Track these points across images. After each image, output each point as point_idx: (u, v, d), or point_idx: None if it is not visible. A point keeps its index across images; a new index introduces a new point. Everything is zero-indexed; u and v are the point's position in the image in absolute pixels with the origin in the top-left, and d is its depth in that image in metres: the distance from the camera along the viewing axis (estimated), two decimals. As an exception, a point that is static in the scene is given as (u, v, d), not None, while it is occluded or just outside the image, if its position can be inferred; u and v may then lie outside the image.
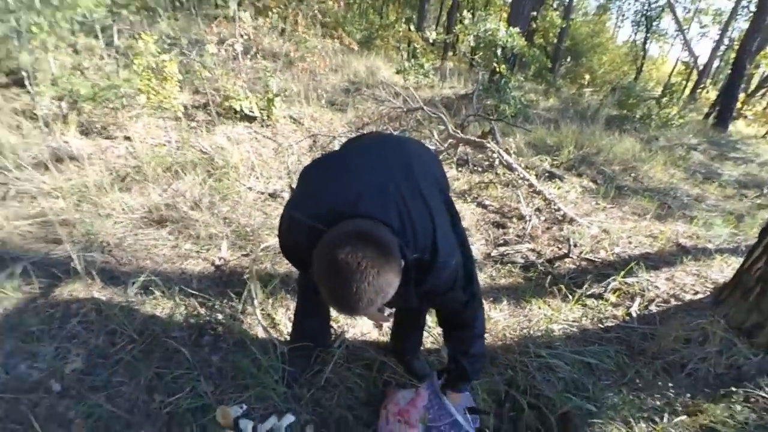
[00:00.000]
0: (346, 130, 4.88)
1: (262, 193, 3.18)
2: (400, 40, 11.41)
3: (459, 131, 4.77)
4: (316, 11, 6.02)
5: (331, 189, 1.03)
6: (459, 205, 3.56)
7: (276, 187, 3.30)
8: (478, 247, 3.07)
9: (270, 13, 5.04)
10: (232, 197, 2.95)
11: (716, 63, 17.59)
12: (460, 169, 4.52)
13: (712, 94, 13.76)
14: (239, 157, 3.38)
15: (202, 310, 1.84)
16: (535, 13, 10.26)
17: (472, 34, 6.32)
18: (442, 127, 4.68)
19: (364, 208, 0.95)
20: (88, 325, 1.70)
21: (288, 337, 1.77)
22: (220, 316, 1.83)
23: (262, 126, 4.22)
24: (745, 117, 12.41)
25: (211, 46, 3.94)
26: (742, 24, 15.54)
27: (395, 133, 4.76)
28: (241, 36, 4.41)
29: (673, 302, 2.37)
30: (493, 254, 2.99)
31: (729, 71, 10.83)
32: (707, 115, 11.23)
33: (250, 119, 4.15)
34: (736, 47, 11.68)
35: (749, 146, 8.58)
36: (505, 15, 11.28)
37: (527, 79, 9.47)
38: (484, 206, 3.73)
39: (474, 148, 4.57)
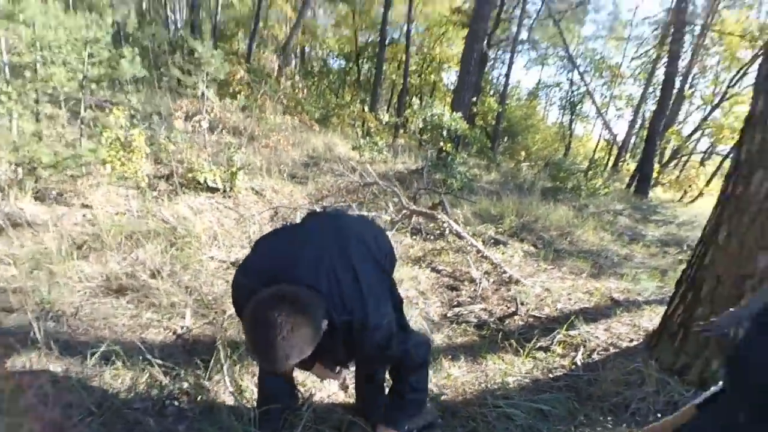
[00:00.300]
0: (307, 201, 5.11)
1: (224, 262, 3.23)
2: (355, 119, 12.28)
3: (412, 203, 5.15)
4: (280, 94, 6.53)
5: (273, 257, 1.21)
6: (415, 271, 3.79)
7: (238, 256, 3.37)
8: (434, 309, 3.24)
9: (237, 95, 5.41)
10: (194, 266, 2.98)
11: (633, 139, 20.17)
12: (414, 237, 4.80)
13: (632, 166, 15.66)
14: (201, 227, 3.46)
15: (166, 380, 1.82)
16: (474, 99, 11.56)
17: (420, 117, 7.01)
18: (396, 200, 5.03)
19: (297, 274, 1.11)
20: (43, 398, 1.64)
21: (255, 402, 1.79)
22: (185, 385, 1.82)
23: (225, 197, 4.36)
24: (662, 184, 14.18)
25: (178, 121, 4.15)
26: (651, 106, 18.20)
27: (353, 205, 5.04)
28: (207, 113, 4.68)
29: (612, 350, 2.62)
30: (448, 315, 3.17)
31: (644, 146, 12.53)
32: (629, 185, 12.68)
33: (213, 190, 4.28)
34: (648, 126, 13.64)
35: (668, 209, 9.74)
36: (449, 100, 12.57)
37: (470, 155, 10.40)
38: (438, 271, 3.96)
39: (426, 219, 4.91)
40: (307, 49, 21.00)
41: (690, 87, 16.55)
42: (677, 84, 12.81)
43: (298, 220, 4.24)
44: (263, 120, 6.19)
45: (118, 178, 3.39)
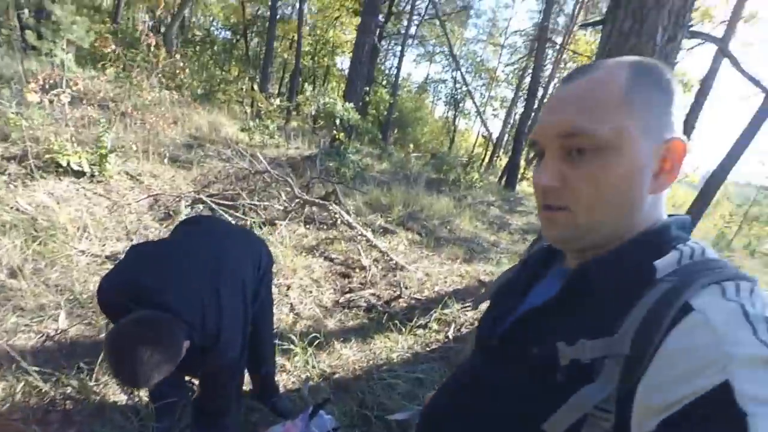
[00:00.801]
0: (191, 189, 4.83)
1: (98, 257, 2.96)
2: (243, 98, 11.65)
3: (305, 193, 5.22)
4: (157, 65, 5.91)
5: (144, 276, 1.25)
6: (309, 260, 3.93)
7: (114, 248, 3.11)
8: (327, 296, 3.44)
9: (105, 65, 4.79)
10: (61, 262, 2.70)
11: (506, 137, 22.78)
12: (307, 226, 4.90)
13: (505, 161, 17.77)
14: (67, 217, 3.10)
15: (46, 386, 1.70)
16: (367, 89, 11.87)
17: (313, 104, 7.04)
18: (289, 189, 5.06)
19: (165, 299, 1.20)
20: None
21: (148, 399, 1.78)
22: (68, 390, 1.72)
23: (93, 182, 3.90)
24: (528, 179, 16.46)
25: (32, 94, 3.58)
26: (520, 109, 20.71)
27: (243, 194, 4.89)
28: (69, 86, 4.10)
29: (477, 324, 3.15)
30: (341, 301, 3.40)
31: (513, 144, 14.32)
32: (500, 179, 14.40)
33: (78, 175, 3.80)
34: (516, 126, 15.57)
35: (530, 201, 11.35)
36: (342, 85, 12.69)
37: (363, 144, 10.73)
38: (331, 259, 4.17)
39: (319, 208, 5.05)
40: (186, 14, 18.98)
41: (551, 94, 19.27)
42: (540, 91, 14.83)
43: (182, 210, 4.04)
44: (137, 94, 5.58)
45: (-48, 160, 2.84)
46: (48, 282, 2.42)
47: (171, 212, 4.02)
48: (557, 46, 15.52)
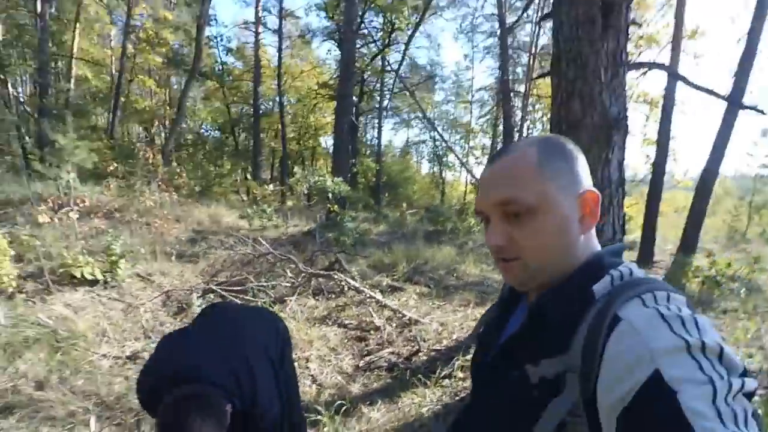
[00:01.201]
0: (200, 280, 4.95)
1: (119, 358, 3.02)
2: (238, 188, 12.17)
3: (309, 266, 5.35)
4: (154, 171, 6.32)
5: (178, 356, 1.34)
6: (322, 330, 3.96)
7: (134, 348, 3.17)
8: (347, 362, 3.43)
9: (108, 181, 5.14)
10: (85, 368, 2.75)
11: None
12: (317, 298, 4.96)
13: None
14: (86, 325, 3.19)
15: (85, 489, 1.71)
16: (353, 161, 12.49)
17: (304, 184, 7.41)
18: (293, 265, 5.19)
19: (192, 372, 1.26)
20: None
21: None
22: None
23: (106, 288, 4.03)
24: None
25: (42, 216, 3.82)
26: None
27: (251, 277, 5.02)
28: (76, 204, 4.38)
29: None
30: (360, 365, 3.39)
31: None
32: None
33: (92, 283, 3.94)
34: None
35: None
36: (330, 161, 13.33)
37: (358, 211, 11.07)
38: (345, 326, 4.19)
39: (325, 279, 5.15)
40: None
41: (527, 135, 20.20)
42: (516, 134, 15.63)
43: (194, 302, 4.13)
44: (139, 201, 5.90)
45: (-24, 286, 2.99)
46: (74, 389, 2.45)
47: (184, 305, 4.11)
48: (521, 94, 16.64)
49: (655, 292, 0.51)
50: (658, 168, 7.28)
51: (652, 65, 4.29)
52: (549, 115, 2.78)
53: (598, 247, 0.65)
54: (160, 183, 6.60)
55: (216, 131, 20.31)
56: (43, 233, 3.99)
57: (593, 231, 0.65)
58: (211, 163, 16.05)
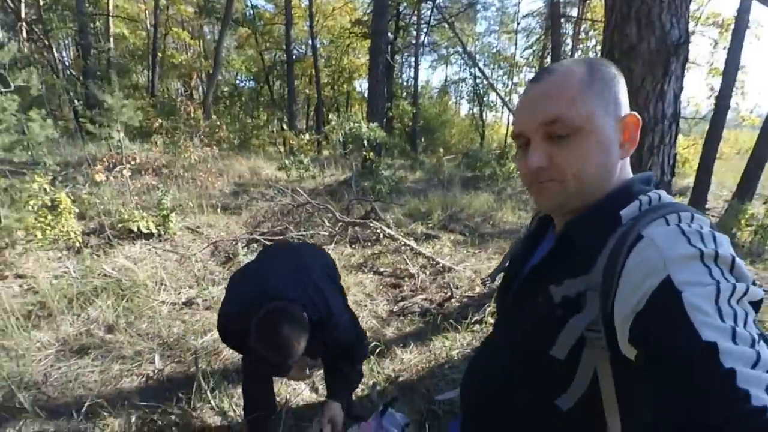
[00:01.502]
0: (245, 231, 5.23)
1: (176, 304, 3.34)
2: (275, 139, 12.36)
3: (345, 215, 5.49)
4: (196, 127, 6.52)
5: (249, 286, 1.57)
6: (358, 277, 4.14)
7: (189, 295, 3.49)
8: (382, 307, 3.61)
9: (154, 137, 5.37)
10: (147, 313, 3.08)
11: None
12: (353, 246, 5.14)
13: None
14: (146, 275, 3.52)
15: (154, 416, 2.00)
16: (389, 105, 12.19)
17: (339, 132, 7.38)
18: (330, 215, 5.34)
19: (274, 292, 1.48)
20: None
21: (239, 418, 2.03)
22: (173, 417, 2.00)
23: (161, 241, 4.38)
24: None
25: (99, 174, 4.11)
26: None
27: (290, 227, 5.26)
28: (128, 161, 4.65)
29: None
30: (395, 310, 3.55)
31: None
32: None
33: (148, 237, 4.29)
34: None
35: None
36: (365, 107, 13.10)
37: (394, 159, 10.99)
38: (380, 273, 4.34)
39: (361, 228, 5.29)
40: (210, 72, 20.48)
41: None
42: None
43: (240, 252, 4.41)
44: (184, 156, 6.17)
45: (49, 242, 3.34)
46: (139, 332, 2.78)
47: (231, 255, 4.40)
48: (574, 19, 15.13)
49: (680, 213, 0.52)
50: (722, 102, 6.54)
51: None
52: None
53: (631, 175, 0.65)
54: (202, 137, 6.82)
55: (251, 81, 20.30)
56: (101, 191, 4.32)
57: (628, 159, 0.65)
58: (248, 114, 16.26)
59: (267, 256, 1.84)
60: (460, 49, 19.45)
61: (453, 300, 3.57)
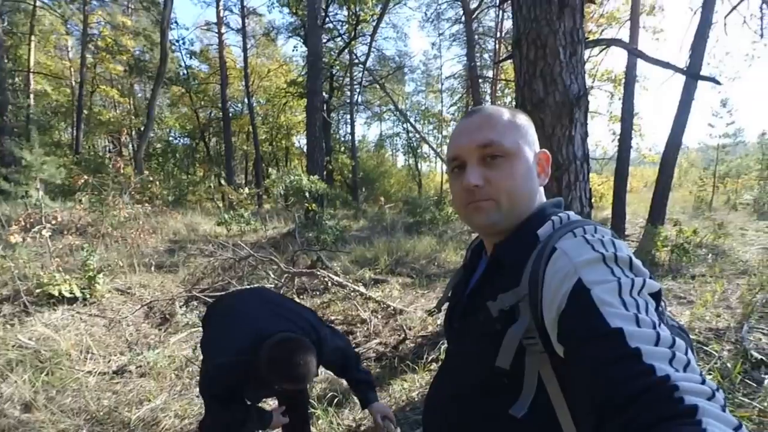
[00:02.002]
0: (182, 289, 4.91)
1: (105, 374, 3.00)
2: (213, 194, 12.00)
3: (291, 266, 5.37)
4: (125, 183, 6.19)
5: (236, 334, 1.53)
6: (310, 327, 4.00)
7: (120, 362, 3.15)
8: (336, 356, 3.50)
9: (79, 196, 5.02)
10: (72, 386, 2.73)
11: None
12: (301, 297, 5.01)
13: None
14: (69, 343, 3.15)
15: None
16: (328, 158, 12.45)
17: (280, 185, 7.38)
18: (275, 266, 5.20)
19: (267, 331, 1.47)
20: None
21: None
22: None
23: (86, 305, 3.97)
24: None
25: (14, 236, 3.73)
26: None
27: (233, 282, 5.02)
28: (48, 221, 4.28)
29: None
30: (350, 357, 3.46)
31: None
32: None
33: (71, 301, 3.88)
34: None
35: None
36: (305, 161, 13.27)
37: (337, 209, 11.09)
38: (331, 322, 4.24)
39: (308, 277, 5.19)
40: (141, 130, 19.80)
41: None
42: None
43: (177, 311, 4.12)
44: (112, 215, 5.79)
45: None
46: (63, 407, 2.44)
47: (167, 316, 4.09)
48: (490, 79, 16.89)
49: (584, 227, 0.62)
50: (624, 144, 7.56)
51: (609, 42, 4.42)
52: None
53: (544, 200, 0.75)
54: (132, 193, 6.47)
55: (185, 138, 19.85)
56: (16, 254, 3.89)
57: (543, 188, 0.76)
58: (183, 171, 15.73)
59: (229, 306, 1.81)
60: (392, 107, 20.71)
61: (407, 341, 3.57)
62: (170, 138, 19.80)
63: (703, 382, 0.41)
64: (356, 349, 3.53)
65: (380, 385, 2.95)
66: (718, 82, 3.63)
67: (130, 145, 17.87)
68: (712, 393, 0.39)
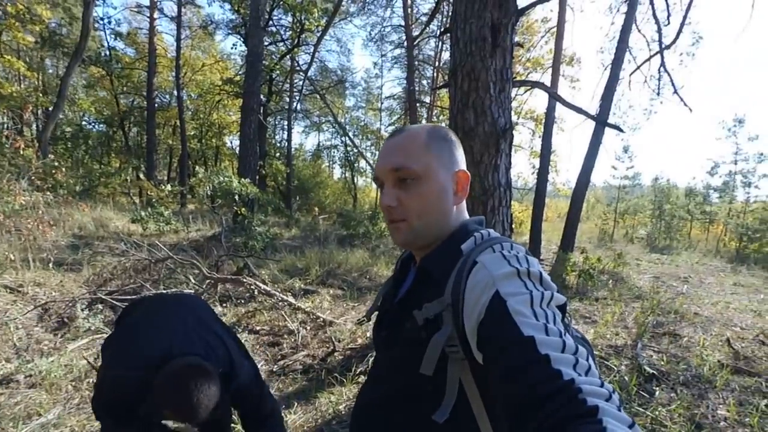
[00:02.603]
0: (86, 290, 4.40)
1: (-16, 384, 2.58)
2: (129, 189, 10.96)
3: (214, 272, 5.08)
4: (24, 166, 5.45)
5: (147, 345, 1.37)
6: (234, 336, 3.79)
7: (6, 370, 2.73)
8: (260, 368, 3.34)
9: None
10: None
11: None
12: (224, 305, 4.72)
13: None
14: (-63, 348, 2.67)
15: None
16: (261, 163, 12.04)
17: (208, 185, 6.99)
18: (197, 271, 4.88)
19: (179, 349, 1.34)
20: None
21: None
22: None
23: (-38, 304, 3.40)
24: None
25: None
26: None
27: (147, 285, 4.61)
28: None
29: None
30: (274, 369, 3.33)
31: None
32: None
33: (-58, 299, 3.29)
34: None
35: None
36: (236, 163, 12.69)
37: (268, 215, 10.70)
38: (256, 332, 4.06)
39: (233, 284, 4.92)
40: (50, 110, 17.61)
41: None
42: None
43: (79, 315, 3.68)
44: (4, 201, 5.05)
45: None
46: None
47: (66, 319, 3.63)
48: (427, 105, 17.65)
49: (502, 243, 0.68)
50: (542, 177, 8.31)
51: (533, 84, 4.87)
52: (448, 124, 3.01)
53: (467, 217, 0.81)
54: (33, 179, 5.70)
55: (101, 124, 18.01)
56: None
57: (464, 205, 0.81)
58: (96, 160, 14.21)
59: (150, 311, 1.63)
60: (331, 119, 20.70)
61: (336, 354, 3.52)
62: (83, 122, 17.80)
63: (602, 385, 0.46)
64: (282, 362, 3.43)
65: (307, 399, 2.88)
66: (621, 130, 4.17)
67: (35, 125, 15.78)
68: (609, 395, 0.45)
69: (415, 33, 12.35)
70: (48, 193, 6.17)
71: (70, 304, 3.89)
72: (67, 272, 4.82)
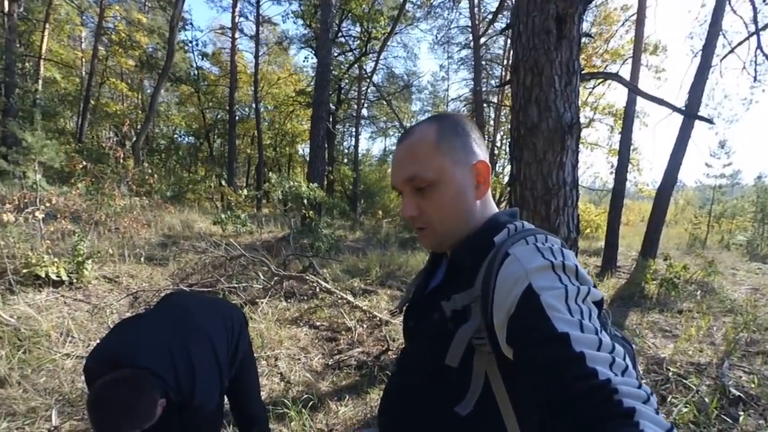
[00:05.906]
0: (170, 282, 4.90)
1: (82, 358, 2.97)
2: (212, 194, 12.03)
3: (281, 269, 5.37)
4: (124, 175, 6.22)
5: (120, 343, 1.35)
6: (293, 330, 3.99)
7: (100, 348, 3.13)
8: (317, 361, 3.48)
9: (76, 181, 5.05)
10: (47, 367, 2.71)
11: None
12: (289, 300, 4.98)
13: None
14: (50, 325, 3.13)
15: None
16: (329, 168, 12.53)
17: (279, 190, 7.42)
18: (266, 268, 5.20)
19: (139, 359, 1.26)
20: None
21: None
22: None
23: (72, 289, 3.95)
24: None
25: (6, 215, 3.74)
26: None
27: (222, 279, 5.00)
28: (42, 203, 4.29)
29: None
30: (330, 363, 3.44)
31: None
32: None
33: (56, 284, 3.86)
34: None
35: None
36: (306, 169, 13.36)
37: (334, 218, 11.11)
38: (316, 327, 4.23)
39: (297, 282, 5.18)
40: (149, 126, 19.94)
41: (501, 147, 20.67)
42: (489, 143, 16.10)
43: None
44: (108, 203, 5.80)
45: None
46: (36, 386, 2.42)
47: (152, 306, 4.07)
48: (494, 104, 17.17)
49: (536, 235, 0.64)
50: (619, 176, 7.66)
51: (606, 75, 4.50)
52: (511, 120, 2.87)
53: (495, 209, 0.78)
54: (131, 184, 6.49)
55: (190, 137, 19.99)
56: (7, 232, 3.89)
57: (489, 196, 0.77)
58: (185, 168, 15.79)
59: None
60: (397, 124, 20.93)
61: (390, 352, 3.55)
62: (175, 135, 19.93)
63: (640, 386, 0.43)
64: (338, 357, 3.53)
65: (358, 393, 2.94)
66: (711, 122, 3.73)
67: (133, 138, 18.00)
68: (647, 397, 0.42)
69: (482, 32, 12.11)
70: (143, 197, 6.98)
71: (157, 294, 4.36)
72: (156, 266, 5.40)
